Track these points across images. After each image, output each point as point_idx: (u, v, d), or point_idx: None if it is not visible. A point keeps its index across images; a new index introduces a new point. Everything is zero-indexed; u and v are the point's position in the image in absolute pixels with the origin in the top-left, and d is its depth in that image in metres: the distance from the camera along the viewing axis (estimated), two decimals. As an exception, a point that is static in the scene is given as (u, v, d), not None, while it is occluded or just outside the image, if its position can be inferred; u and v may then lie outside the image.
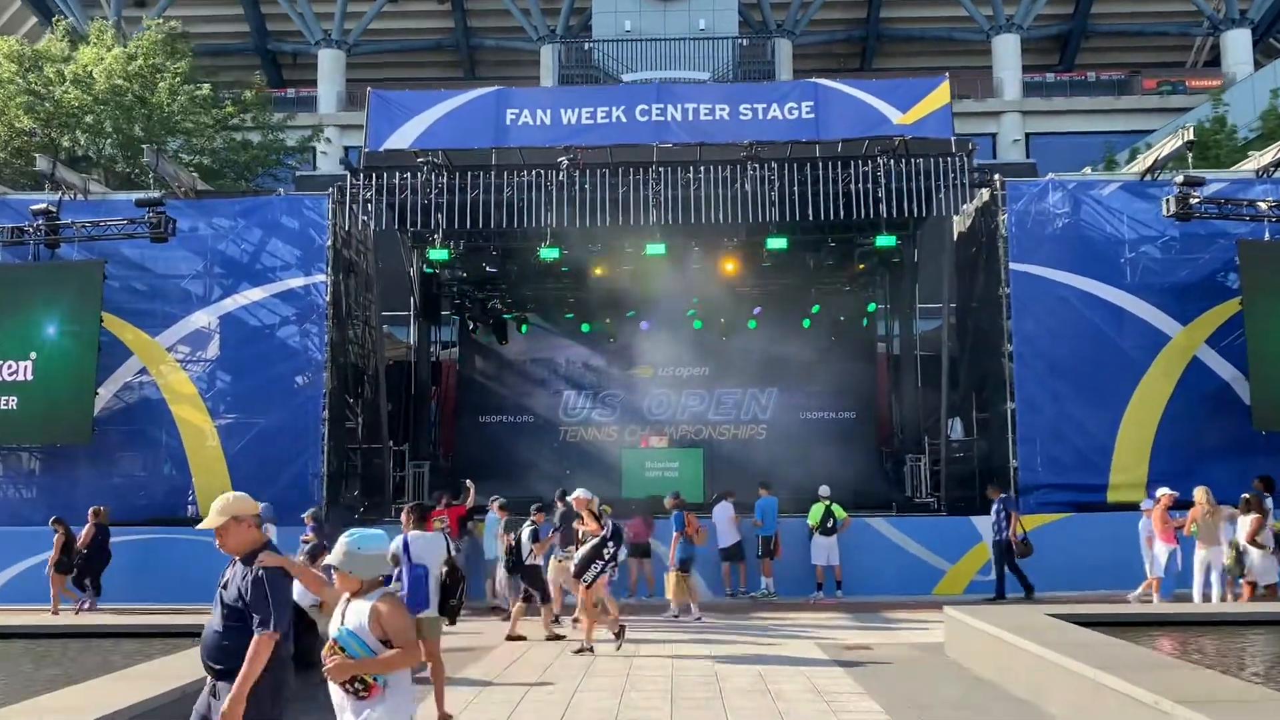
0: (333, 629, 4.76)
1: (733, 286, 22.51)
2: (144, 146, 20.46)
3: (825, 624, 13.74)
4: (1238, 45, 41.02)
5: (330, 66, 41.75)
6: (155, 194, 18.10)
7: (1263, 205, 17.12)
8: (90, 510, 16.07)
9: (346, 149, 32.57)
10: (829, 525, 16.45)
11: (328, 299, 18.30)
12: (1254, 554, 12.86)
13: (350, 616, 4.74)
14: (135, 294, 18.66)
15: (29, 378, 17.58)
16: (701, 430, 24.37)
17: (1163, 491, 14.19)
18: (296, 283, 18.50)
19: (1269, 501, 14.80)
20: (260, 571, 4.92)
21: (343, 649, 4.65)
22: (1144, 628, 10.46)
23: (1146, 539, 14.65)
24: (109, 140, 28.68)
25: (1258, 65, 39.72)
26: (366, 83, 26.63)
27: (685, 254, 20.24)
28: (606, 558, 11.70)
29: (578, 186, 17.57)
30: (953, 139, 18.13)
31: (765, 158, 17.65)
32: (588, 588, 11.68)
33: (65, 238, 17.94)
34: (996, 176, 18.52)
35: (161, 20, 31.61)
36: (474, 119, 18.16)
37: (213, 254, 18.68)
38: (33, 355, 17.62)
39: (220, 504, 5.10)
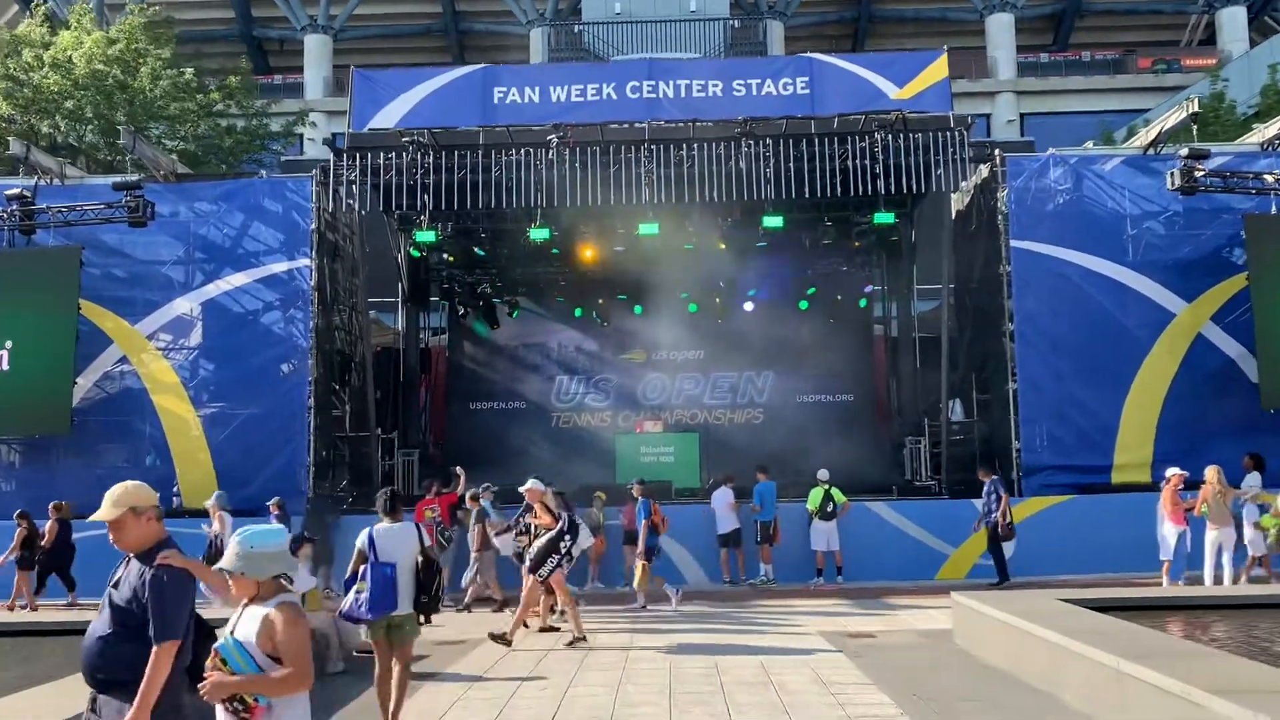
0: (221, 637, 4.18)
1: (728, 267, 22.09)
2: (120, 128, 19.86)
3: (827, 611, 13.36)
4: (1234, 22, 40.74)
5: (317, 52, 41.18)
6: (133, 178, 17.55)
7: (1269, 178, 16.72)
8: (51, 505, 15.53)
9: (335, 135, 32.03)
10: (829, 510, 16.07)
11: (312, 284, 17.86)
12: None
13: (241, 625, 4.14)
14: (114, 281, 18.19)
15: (4, 368, 17.15)
16: (697, 414, 24.02)
17: (1172, 471, 13.83)
18: (280, 267, 18.05)
19: (1257, 478, 14.77)
20: (160, 572, 4.32)
21: (225, 662, 4.03)
22: (1158, 611, 10.09)
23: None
24: (90, 127, 28.08)
25: (1253, 43, 39.36)
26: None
27: (679, 234, 19.80)
28: (563, 551, 11.24)
29: (567, 165, 17.11)
30: (951, 114, 17.70)
31: (760, 134, 17.22)
32: (543, 582, 11.25)
33: (41, 223, 17.43)
34: (996, 152, 18.12)
35: (144, 5, 30.97)
36: (460, 97, 17.68)
37: (194, 239, 18.22)
38: (8, 344, 17.17)
39: (115, 494, 4.54)
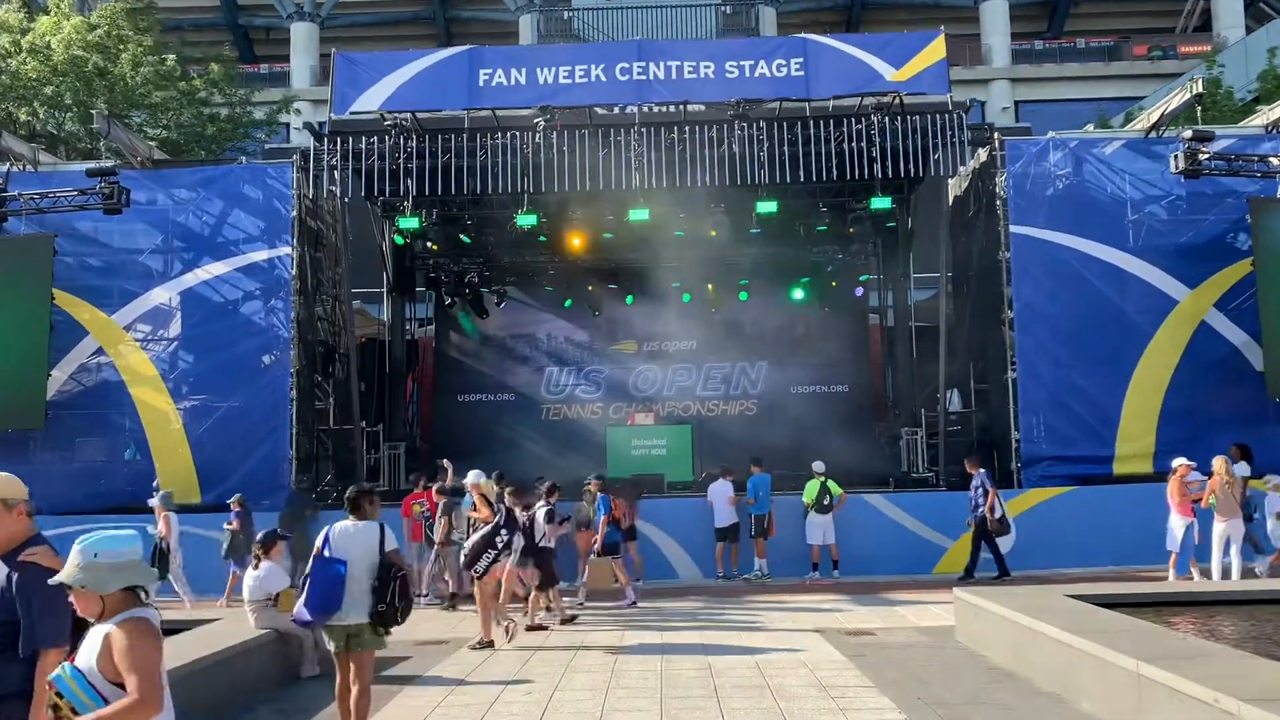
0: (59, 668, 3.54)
1: (721, 255, 21.64)
2: (93, 112, 19.30)
3: (824, 607, 12.94)
4: (1230, 8, 40.40)
5: (303, 40, 40.59)
6: (108, 164, 17.01)
7: (1275, 161, 16.28)
8: None
9: (321, 125, 31.49)
10: (825, 502, 15.65)
11: (293, 273, 17.38)
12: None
13: (84, 650, 3.49)
14: (90, 270, 17.70)
15: (-25, 359, 16.61)
16: (690, 406, 23.59)
17: (1179, 462, 13.43)
18: (260, 256, 17.59)
19: (1245, 468, 14.50)
20: (31, 572, 3.83)
21: (60, 695, 3.37)
22: (1167, 608, 9.69)
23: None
24: (69, 115, 27.50)
25: (1248, 30, 39.03)
26: (341, 56, 25.55)
27: (670, 220, 19.35)
28: (499, 546, 10.78)
29: (555, 149, 16.65)
30: (949, 96, 17.27)
31: (753, 117, 16.79)
32: (479, 579, 10.81)
33: (12, 210, 16.82)
34: (995, 135, 17.69)
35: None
36: (445, 80, 17.13)
37: (172, 226, 17.72)
38: (-21, 335, 16.64)
39: None
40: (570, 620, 12.06)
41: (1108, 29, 42.81)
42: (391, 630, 6.80)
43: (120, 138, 17.76)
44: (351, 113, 17.26)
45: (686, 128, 16.81)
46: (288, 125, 33.89)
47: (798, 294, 23.08)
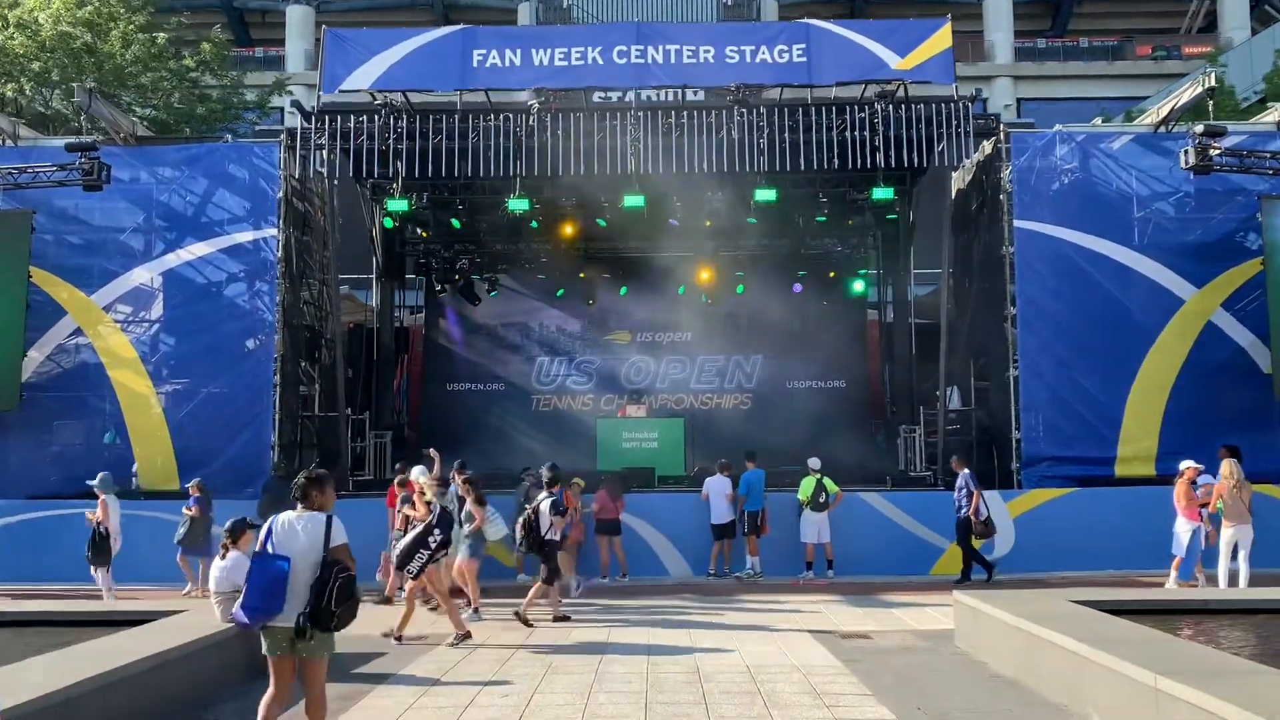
0: None
1: (718, 246, 21.20)
2: (74, 85, 18.79)
3: (818, 608, 12.52)
4: (1235, 9, 40.16)
5: (299, 23, 40.19)
6: (88, 139, 16.52)
7: (1287, 158, 15.88)
8: None
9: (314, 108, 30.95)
10: (821, 500, 15.22)
11: (279, 255, 16.92)
12: None
13: None
14: (70, 248, 17.28)
15: (-53, 337, 16.15)
16: (683, 399, 23.21)
17: (1186, 464, 13.05)
18: (245, 237, 17.16)
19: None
20: None
21: None
22: (1174, 616, 9.31)
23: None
24: (56, 92, 26.98)
25: (1253, 33, 38.73)
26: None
27: (666, 208, 18.91)
28: (433, 546, 10.35)
29: (549, 133, 16.18)
30: (955, 86, 16.85)
31: (753, 103, 16.35)
32: (414, 579, 10.41)
33: (-11, 185, 16.40)
34: (1001, 126, 17.27)
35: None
36: (438, 60, 16.65)
37: (154, 205, 17.31)
38: (-49, 313, 16.18)
39: None
40: (563, 619, 11.63)
41: (1111, 29, 42.62)
42: (327, 630, 6.00)
43: (102, 112, 17.28)
44: (341, 91, 16.78)
45: (684, 113, 16.36)
46: (281, 110, 33.37)
47: (796, 287, 22.64)
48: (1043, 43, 41.62)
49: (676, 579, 15.43)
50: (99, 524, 13.49)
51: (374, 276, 21.62)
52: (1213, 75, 16.58)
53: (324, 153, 16.83)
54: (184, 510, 14.68)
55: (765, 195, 17.16)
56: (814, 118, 16.40)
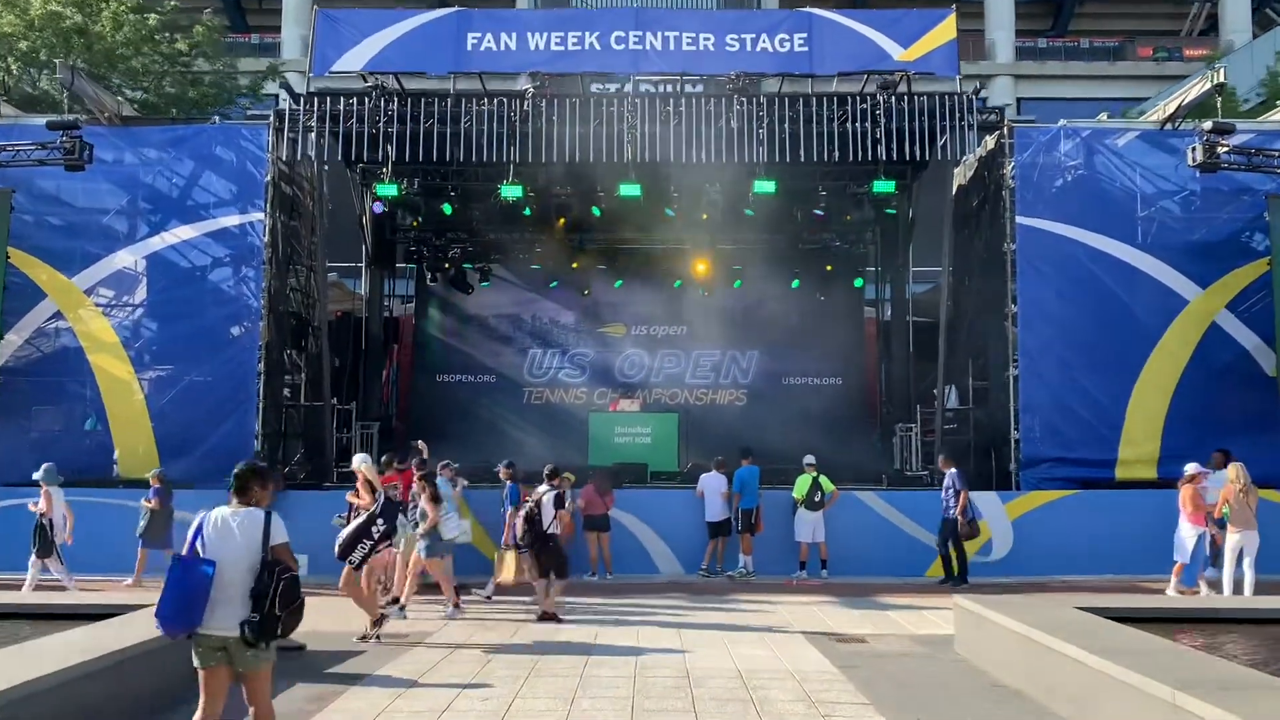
0: None
1: (715, 238, 20.84)
2: (56, 62, 18.34)
3: (812, 610, 12.20)
4: (1237, 12, 39.90)
5: (296, 9, 39.56)
6: (70, 117, 16.09)
7: (1296, 157, 15.56)
8: None
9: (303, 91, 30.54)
10: (816, 499, 14.90)
11: (266, 240, 16.52)
12: None
13: None
14: (50, 229, 16.84)
15: (-78, 319, 15.74)
16: (677, 394, 22.83)
17: (1192, 468, 12.73)
18: (231, 221, 16.75)
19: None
20: None
21: None
22: (1187, 625, 9.00)
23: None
24: (45, 72, 26.50)
25: (1254, 35, 38.51)
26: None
27: (663, 197, 18.54)
28: (375, 536, 10.01)
29: (544, 119, 15.82)
30: (958, 78, 16.52)
31: (753, 92, 16.02)
32: (355, 569, 10.07)
33: (-33, 163, 15.96)
34: (1006, 121, 16.92)
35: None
36: (431, 42, 16.32)
37: (139, 187, 16.88)
38: (-74, 294, 15.76)
39: None
40: (550, 618, 11.28)
41: (1113, 29, 42.35)
42: (262, 641, 5.39)
43: (85, 90, 16.85)
44: (332, 73, 16.43)
45: (683, 101, 16.01)
46: (276, 97, 32.90)
47: (793, 282, 22.30)
48: (1044, 42, 41.37)
49: (668, 577, 15.09)
50: (42, 515, 13.10)
51: (363, 264, 21.21)
52: (1222, 71, 16.22)
53: (313, 136, 16.44)
54: (143, 502, 14.31)
55: (764, 187, 16.81)
56: (815, 108, 16.06)
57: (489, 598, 12.77)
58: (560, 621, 11.04)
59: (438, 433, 18.68)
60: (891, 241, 21.28)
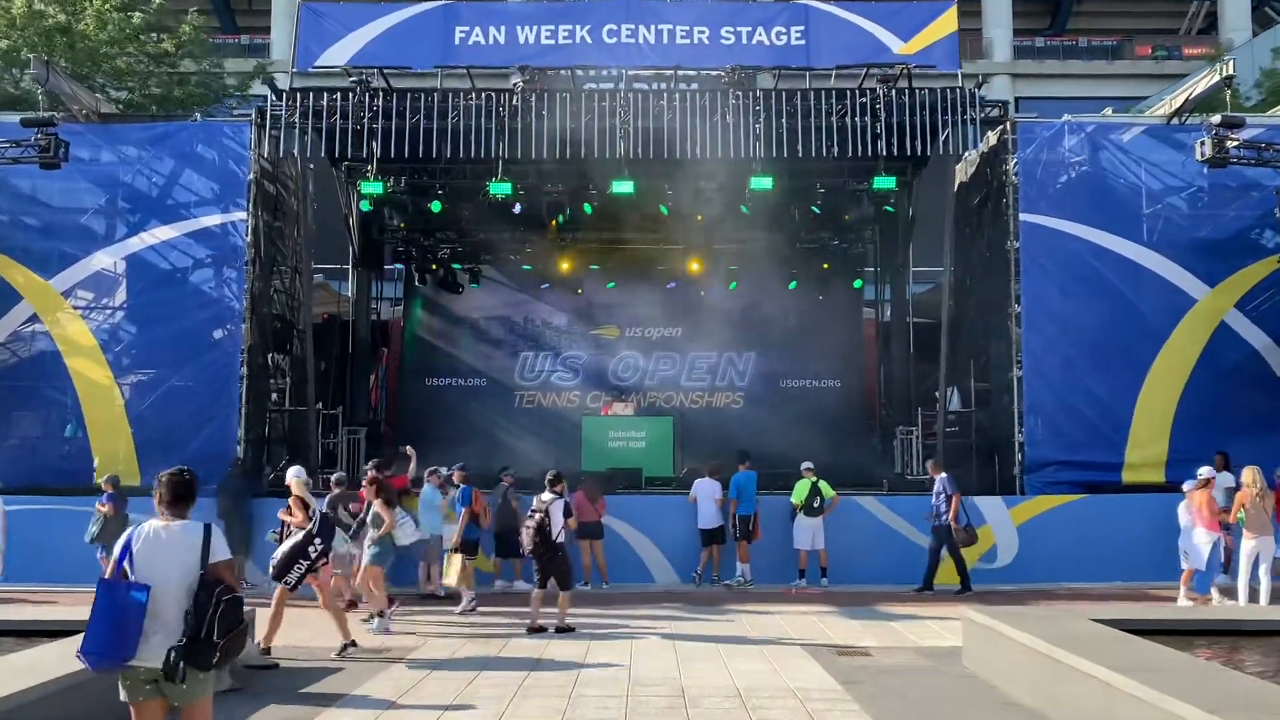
0: None
1: (710, 238, 20.41)
2: (31, 57, 17.89)
3: (812, 620, 11.76)
4: (1236, 11, 39.67)
5: (285, 9, 39.16)
6: (45, 114, 15.64)
7: (1307, 152, 15.16)
8: None
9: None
10: (815, 504, 14.45)
11: (248, 240, 16.08)
12: None
13: None
14: (26, 230, 16.44)
15: (-106, 323, 15.31)
16: (672, 397, 22.39)
17: (1205, 471, 12.31)
18: (213, 221, 16.32)
19: (1229, 478, 13.57)
20: None
21: None
22: (1208, 637, 8.57)
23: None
24: (26, 72, 26.04)
25: (1253, 34, 38.27)
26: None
27: (657, 195, 18.11)
28: (313, 555, 9.53)
29: (534, 114, 15.41)
30: (959, 72, 16.12)
31: (749, 86, 15.64)
32: (291, 589, 9.63)
33: (-62, 162, 15.50)
34: (1009, 117, 16.52)
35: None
36: (418, 36, 15.96)
37: (118, 186, 16.49)
38: (-102, 297, 15.33)
39: None
40: (538, 630, 10.84)
41: (1111, 28, 42.12)
42: (194, 671, 4.75)
43: (61, 87, 16.40)
44: (316, 68, 16.03)
45: (677, 96, 15.62)
46: (265, 97, 32.47)
47: (791, 283, 21.87)
48: (1042, 41, 41.13)
49: (662, 586, 14.65)
50: None
51: (350, 265, 20.76)
52: (1231, 64, 15.82)
53: (297, 132, 16.00)
54: (97, 507, 13.87)
55: (761, 184, 16.39)
56: (812, 103, 15.67)
57: (474, 609, 12.29)
58: (572, 632, 10.70)
59: (427, 438, 18.24)
60: (891, 240, 20.88)
